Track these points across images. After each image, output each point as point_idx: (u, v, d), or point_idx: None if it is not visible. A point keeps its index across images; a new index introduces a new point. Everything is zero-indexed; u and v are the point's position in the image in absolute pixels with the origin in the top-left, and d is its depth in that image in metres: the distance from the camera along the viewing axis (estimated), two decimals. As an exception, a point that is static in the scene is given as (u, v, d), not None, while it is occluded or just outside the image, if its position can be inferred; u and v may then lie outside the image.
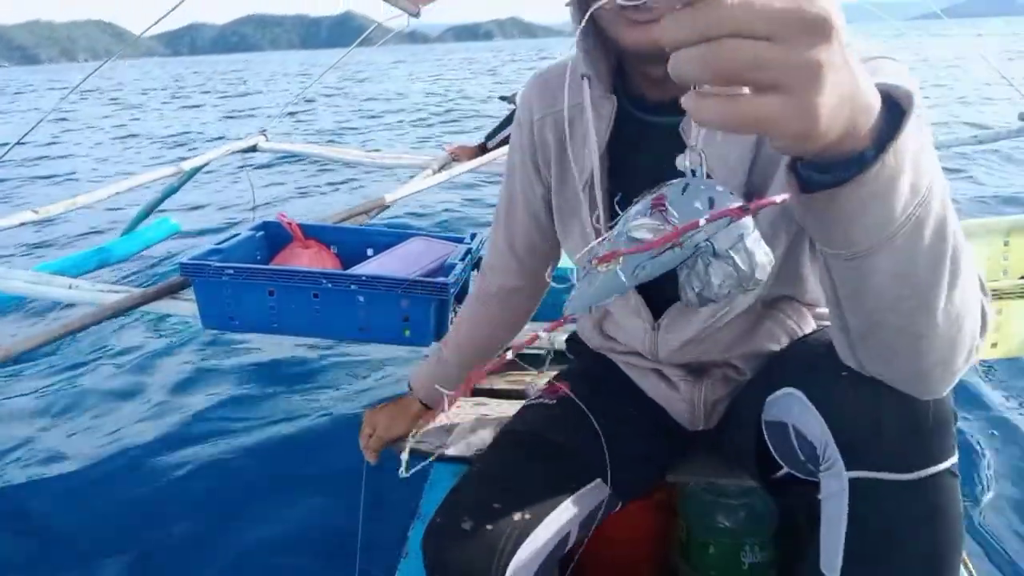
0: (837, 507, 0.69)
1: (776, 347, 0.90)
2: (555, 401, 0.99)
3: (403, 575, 1.24)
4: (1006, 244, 1.76)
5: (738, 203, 0.47)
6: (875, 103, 0.42)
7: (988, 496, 1.73)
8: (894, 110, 0.45)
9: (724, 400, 0.97)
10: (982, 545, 1.56)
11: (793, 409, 0.75)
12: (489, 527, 0.80)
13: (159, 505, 1.80)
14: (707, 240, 0.48)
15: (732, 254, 0.48)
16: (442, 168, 3.27)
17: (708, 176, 0.50)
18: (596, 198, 0.86)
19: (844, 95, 0.39)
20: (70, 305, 2.55)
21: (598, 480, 0.90)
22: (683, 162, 0.50)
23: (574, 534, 0.88)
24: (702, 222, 0.47)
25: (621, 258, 0.50)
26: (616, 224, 0.53)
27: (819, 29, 0.36)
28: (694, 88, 0.39)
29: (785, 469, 0.83)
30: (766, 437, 0.84)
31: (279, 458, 2.00)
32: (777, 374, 0.83)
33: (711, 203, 0.48)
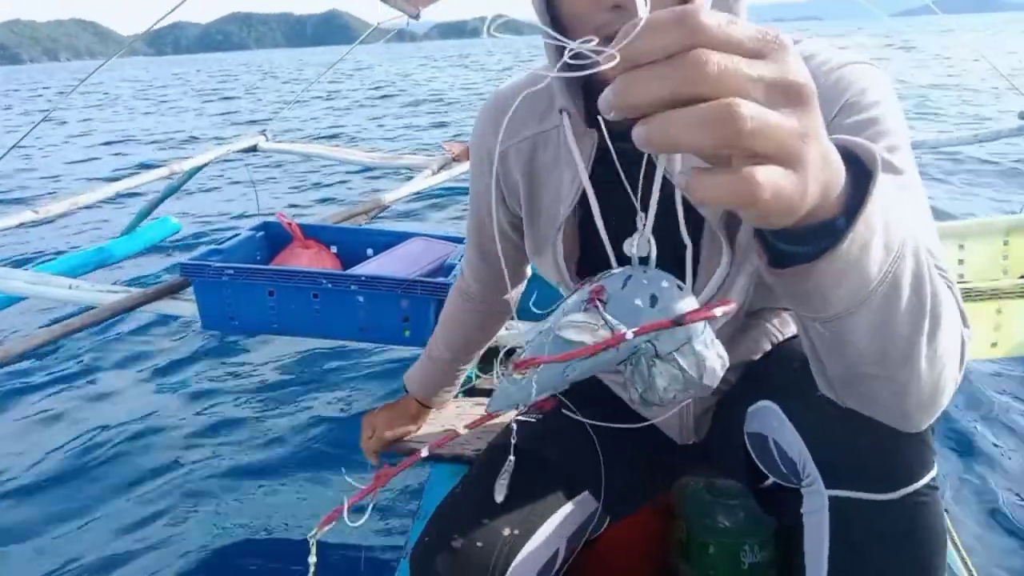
0: (819, 523, 0.70)
1: (760, 356, 0.89)
2: (542, 416, 0.99)
3: (403, 575, 1.24)
4: (1006, 244, 1.76)
5: (682, 306, 0.44)
6: (841, 167, 0.40)
7: (987, 496, 1.74)
8: (858, 166, 0.43)
9: (712, 411, 0.96)
10: (982, 544, 1.56)
11: (772, 423, 0.75)
12: (479, 544, 0.79)
13: (158, 504, 1.80)
14: (648, 342, 0.44)
15: (677, 357, 0.45)
16: (442, 168, 3.26)
17: (656, 266, 0.46)
18: (560, 237, 0.83)
19: (822, 161, 0.37)
20: (70, 305, 2.55)
21: (586, 493, 0.90)
22: (630, 248, 0.47)
23: (563, 550, 0.88)
24: (629, 335, 0.43)
25: (540, 366, 0.46)
26: (550, 314, 0.50)
27: (805, 96, 0.35)
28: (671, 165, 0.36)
29: (772, 479, 0.83)
30: (749, 448, 0.84)
31: (279, 457, 2.00)
32: (755, 385, 0.82)
33: (653, 301, 0.45)
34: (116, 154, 8.59)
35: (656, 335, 0.44)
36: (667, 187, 0.74)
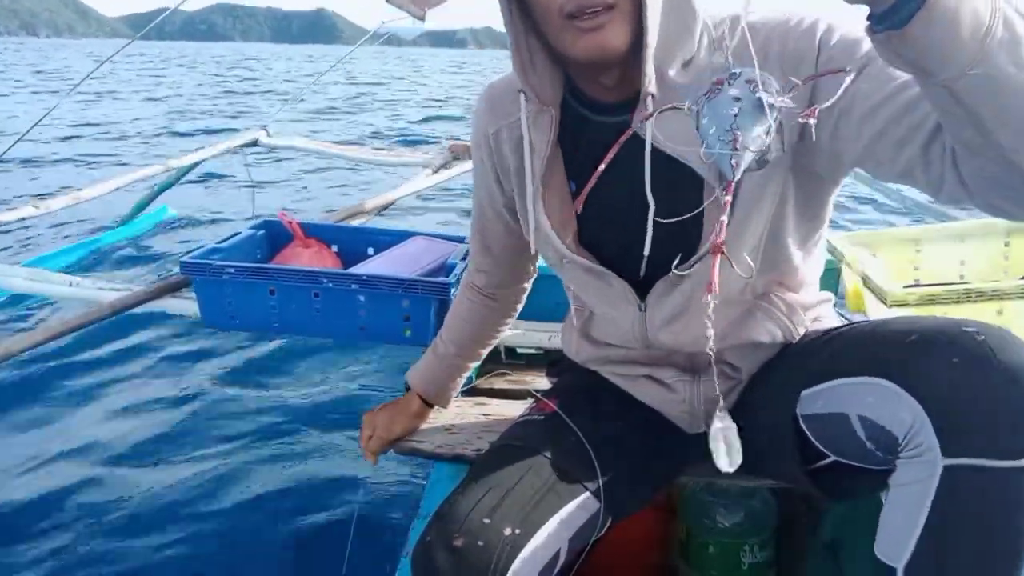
0: (917, 493, 0.70)
1: (768, 339, 0.91)
2: (544, 417, 0.99)
3: (403, 575, 1.24)
4: (1006, 244, 1.76)
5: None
6: None
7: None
8: None
9: (725, 400, 0.96)
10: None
11: (867, 398, 0.75)
12: (480, 543, 0.80)
13: (157, 503, 1.80)
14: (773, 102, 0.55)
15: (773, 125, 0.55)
16: (443, 166, 3.26)
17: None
18: (539, 207, 0.91)
19: None
20: (70, 303, 2.55)
21: (587, 494, 0.90)
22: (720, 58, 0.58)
23: (564, 550, 0.88)
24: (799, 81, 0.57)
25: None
26: (703, 97, 0.59)
27: None
28: None
29: (831, 458, 0.84)
30: (807, 431, 0.85)
31: (279, 457, 2.00)
32: (809, 370, 0.84)
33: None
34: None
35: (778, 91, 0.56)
36: (662, 167, 0.81)
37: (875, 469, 0.78)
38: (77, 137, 8.66)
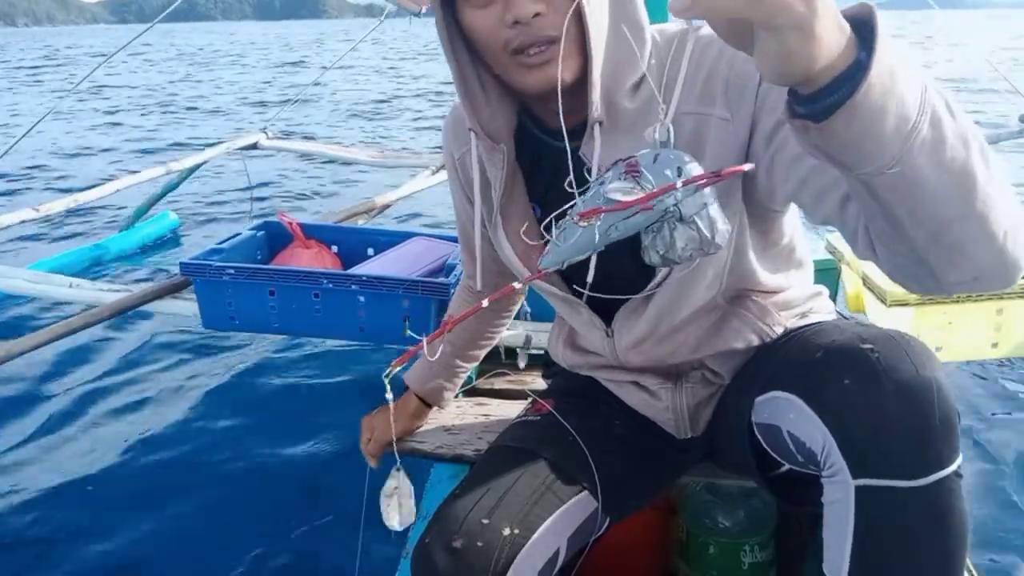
0: (841, 513, 0.69)
1: (744, 345, 0.90)
2: (540, 418, 0.99)
3: (403, 575, 1.24)
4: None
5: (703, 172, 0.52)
6: (844, 22, 0.46)
7: (988, 496, 1.74)
8: (856, 26, 0.48)
9: (707, 404, 0.97)
10: (983, 544, 1.56)
11: (789, 414, 0.75)
12: (480, 544, 0.80)
13: (157, 503, 1.80)
14: (675, 205, 0.52)
15: (697, 220, 0.53)
16: (443, 167, 3.26)
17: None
18: (501, 236, 0.92)
19: (831, 8, 0.44)
20: (71, 304, 2.55)
21: (585, 493, 0.90)
22: (652, 134, 0.54)
23: (564, 550, 0.88)
24: (678, 184, 0.51)
25: (599, 217, 0.54)
26: (590, 187, 0.56)
27: None
28: None
29: (786, 466, 0.83)
30: (759, 438, 0.84)
31: (279, 457, 2.00)
32: (764, 375, 0.83)
33: (679, 172, 0.52)
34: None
35: (682, 199, 0.52)
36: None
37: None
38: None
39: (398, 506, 0.70)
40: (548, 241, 0.88)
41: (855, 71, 0.46)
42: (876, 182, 0.51)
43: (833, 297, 1.70)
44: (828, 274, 1.73)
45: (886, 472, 0.66)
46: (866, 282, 1.61)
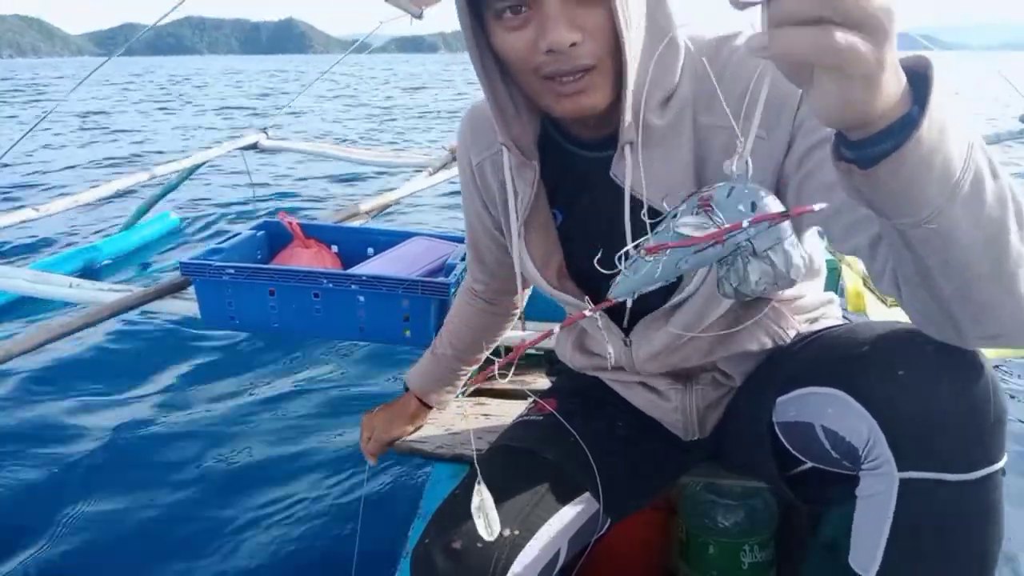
0: (880, 506, 0.69)
1: (757, 348, 0.90)
2: (543, 418, 0.99)
3: (403, 575, 1.24)
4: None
5: (780, 209, 0.51)
6: (902, 74, 0.46)
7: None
8: (911, 77, 0.48)
9: (716, 406, 0.97)
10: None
11: (827, 409, 0.75)
12: (479, 544, 0.79)
13: (157, 503, 1.80)
14: (748, 240, 0.52)
15: (771, 255, 0.52)
16: (443, 167, 3.26)
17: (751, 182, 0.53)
18: (522, 247, 0.90)
19: (895, 59, 0.43)
20: (71, 304, 2.55)
21: (586, 494, 0.90)
22: (729, 167, 0.54)
23: (564, 550, 0.88)
24: (745, 223, 0.51)
25: (668, 251, 0.54)
26: (662, 221, 0.56)
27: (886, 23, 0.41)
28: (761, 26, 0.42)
29: (808, 464, 0.84)
30: (782, 438, 0.84)
31: (279, 457, 2.00)
32: (782, 376, 0.83)
33: (753, 207, 0.52)
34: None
35: (756, 234, 0.51)
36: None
37: (851, 475, 0.77)
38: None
39: (485, 517, 0.70)
40: (566, 245, 0.90)
41: (906, 123, 0.46)
42: (912, 233, 0.52)
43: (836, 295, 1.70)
44: (828, 274, 1.73)
45: (936, 465, 0.66)
46: (866, 282, 1.61)
